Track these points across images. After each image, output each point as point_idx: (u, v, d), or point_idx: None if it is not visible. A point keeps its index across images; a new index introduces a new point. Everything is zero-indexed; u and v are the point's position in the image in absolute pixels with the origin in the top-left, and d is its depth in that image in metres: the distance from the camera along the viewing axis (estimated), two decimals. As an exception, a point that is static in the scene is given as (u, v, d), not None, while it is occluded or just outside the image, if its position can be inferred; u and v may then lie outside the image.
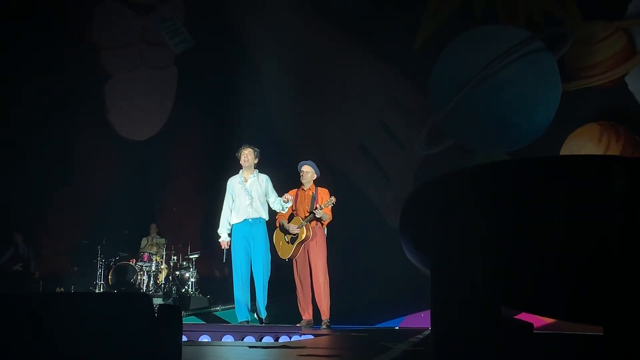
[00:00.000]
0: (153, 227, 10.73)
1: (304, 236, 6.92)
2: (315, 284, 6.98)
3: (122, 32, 12.01)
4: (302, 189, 7.14)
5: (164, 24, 11.67)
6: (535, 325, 2.40)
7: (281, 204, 6.97)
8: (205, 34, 11.35)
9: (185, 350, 2.17)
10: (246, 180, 6.98)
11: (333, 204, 6.85)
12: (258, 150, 7.09)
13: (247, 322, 6.79)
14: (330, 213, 7.00)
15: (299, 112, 10.08)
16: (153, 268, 10.07)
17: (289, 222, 7.05)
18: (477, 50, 9.36)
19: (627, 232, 1.93)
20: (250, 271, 6.91)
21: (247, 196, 6.90)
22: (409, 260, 2.56)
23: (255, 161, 7.05)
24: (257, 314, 6.90)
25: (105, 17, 12.09)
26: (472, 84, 9.23)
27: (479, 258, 2.05)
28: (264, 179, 7.05)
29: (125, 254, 10.40)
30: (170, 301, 9.58)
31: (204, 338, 5.75)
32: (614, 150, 8.55)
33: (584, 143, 8.73)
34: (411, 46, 9.72)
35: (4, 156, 11.17)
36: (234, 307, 7.03)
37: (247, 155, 6.99)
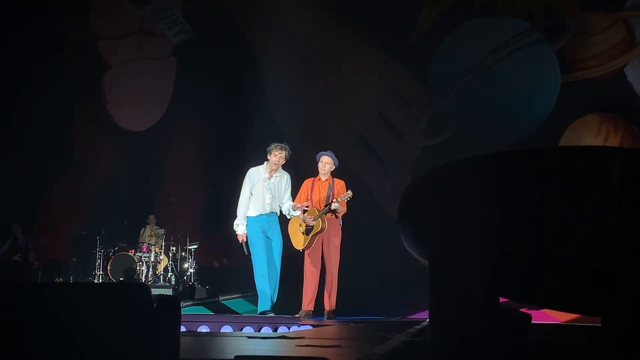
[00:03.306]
0: (152, 219, 10.72)
1: (320, 228, 6.89)
2: (328, 275, 6.94)
3: (121, 23, 11.97)
4: (319, 180, 7.07)
5: (163, 14, 11.64)
6: (536, 317, 2.41)
7: (289, 210, 6.93)
8: (203, 25, 11.32)
9: (183, 340, 2.18)
10: (270, 178, 6.89)
11: (349, 198, 6.82)
12: (290, 151, 6.98)
13: (270, 312, 6.69)
14: (345, 205, 6.95)
15: (298, 102, 10.05)
16: (152, 259, 10.07)
17: (304, 213, 7.01)
18: (477, 41, 9.34)
19: (625, 222, 1.93)
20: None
21: (268, 194, 6.83)
22: (407, 251, 2.57)
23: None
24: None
25: (104, 7, 12.06)
26: (471, 75, 9.21)
27: (477, 249, 2.05)
28: (286, 179, 6.99)
29: (124, 245, 10.41)
30: (173, 292, 9.56)
31: (203, 328, 5.77)
32: (613, 141, 8.54)
33: (583, 134, 8.72)
34: (411, 37, 9.70)
35: (2, 147, 11.15)
36: (235, 298, 7.00)
37: (284, 159, 6.88)
